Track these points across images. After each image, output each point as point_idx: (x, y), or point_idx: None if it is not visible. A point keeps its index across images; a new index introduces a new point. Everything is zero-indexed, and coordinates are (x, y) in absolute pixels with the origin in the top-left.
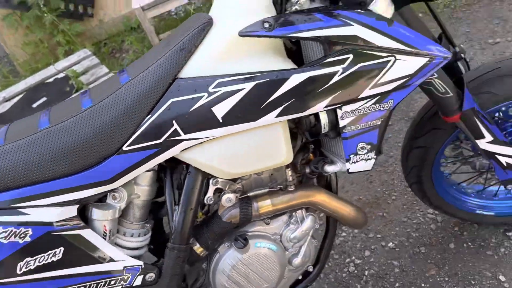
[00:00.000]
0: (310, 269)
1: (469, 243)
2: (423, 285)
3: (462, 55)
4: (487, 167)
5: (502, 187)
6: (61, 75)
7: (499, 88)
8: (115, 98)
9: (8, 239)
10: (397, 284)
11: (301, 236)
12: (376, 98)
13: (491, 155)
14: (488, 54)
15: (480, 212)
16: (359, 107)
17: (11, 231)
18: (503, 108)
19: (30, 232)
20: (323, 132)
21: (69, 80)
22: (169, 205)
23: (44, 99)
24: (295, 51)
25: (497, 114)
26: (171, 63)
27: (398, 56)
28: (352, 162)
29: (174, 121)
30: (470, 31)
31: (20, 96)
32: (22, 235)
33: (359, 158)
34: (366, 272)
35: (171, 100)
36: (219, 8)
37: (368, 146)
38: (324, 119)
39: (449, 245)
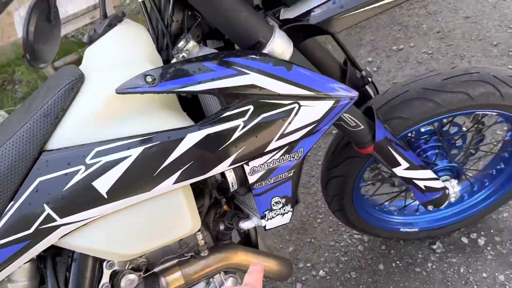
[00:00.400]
0: None
1: (398, 262)
2: None
3: (369, 78)
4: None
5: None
6: None
7: (408, 113)
8: None
9: None
10: None
11: None
12: (284, 149)
13: (409, 181)
14: (393, 62)
15: (404, 230)
16: (268, 160)
17: None
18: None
19: None
20: (232, 190)
21: None
22: None
23: None
24: (192, 101)
25: (409, 134)
26: (34, 134)
27: (302, 103)
28: (268, 219)
29: (45, 205)
30: (375, 39)
31: None
32: None
33: (275, 213)
34: None
35: (39, 179)
36: (92, 59)
37: (283, 200)
38: (230, 177)
39: (378, 266)
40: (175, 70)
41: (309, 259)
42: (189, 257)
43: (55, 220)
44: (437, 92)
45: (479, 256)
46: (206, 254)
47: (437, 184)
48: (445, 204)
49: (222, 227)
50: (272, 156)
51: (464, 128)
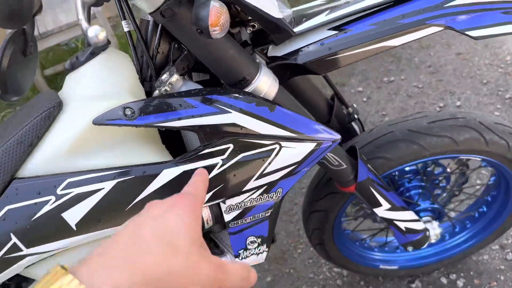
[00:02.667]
0: None
1: None
2: None
3: (356, 115)
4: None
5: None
6: None
7: (392, 153)
8: None
9: None
10: None
11: None
12: (263, 189)
13: (389, 222)
14: (383, 93)
15: (383, 267)
16: (245, 199)
17: None
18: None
19: None
20: (206, 227)
21: None
22: None
23: None
24: (173, 133)
25: (395, 177)
26: (6, 160)
27: (283, 143)
28: (242, 258)
29: (11, 234)
30: (366, 69)
31: None
32: None
33: (250, 253)
34: None
35: (7, 207)
36: (72, 86)
37: (259, 240)
38: (206, 214)
39: None
40: (155, 104)
41: None
42: None
43: (21, 250)
44: (422, 135)
45: None
46: None
47: (418, 225)
48: (425, 245)
49: None
50: (250, 195)
51: (448, 170)
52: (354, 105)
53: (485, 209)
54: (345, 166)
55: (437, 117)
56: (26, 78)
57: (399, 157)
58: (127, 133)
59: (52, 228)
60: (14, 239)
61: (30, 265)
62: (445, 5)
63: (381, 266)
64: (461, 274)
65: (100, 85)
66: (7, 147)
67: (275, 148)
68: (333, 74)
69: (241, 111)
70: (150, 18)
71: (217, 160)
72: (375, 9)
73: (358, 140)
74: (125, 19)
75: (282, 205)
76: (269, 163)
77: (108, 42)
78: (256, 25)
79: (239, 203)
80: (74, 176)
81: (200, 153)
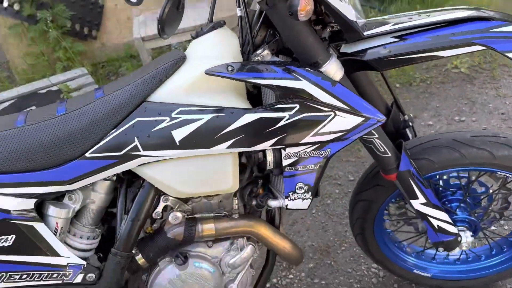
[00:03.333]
0: None
1: None
2: None
3: (410, 123)
4: (436, 249)
5: (439, 252)
6: (55, 88)
7: (435, 157)
8: (87, 110)
9: None
10: None
11: (240, 263)
12: (315, 146)
13: (423, 216)
14: (452, 130)
15: (417, 272)
16: (300, 151)
17: None
18: (444, 177)
19: None
20: (268, 168)
21: (60, 94)
22: (119, 213)
23: (33, 107)
24: (256, 95)
25: (439, 182)
26: (142, 87)
27: (338, 113)
28: (291, 199)
29: (136, 138)
30: (440, 106)
31: (11, 101)
32: None
33: (297, 196)
34: None
35: (137, 119)
36: (194, 48)
37: (306, 187)
38: (270, 156)
39: None
40: (249, 66)
41: (324, 278)
42: (223, 215)
43: (139, 151)
44: (464, 145)
45: None
46: (236, 217)
47: (451, 228)
48: (455, 250)
49: (254, 202)
50: (305, 148)
51: (490, 190)
52: (411, 114)
53: None
54: (389, 155)
55: (481, 133)
56: (174, 25)
57: (441, 161)
58: (226, 84)
59: (163, 140)
60: (136, 142)
61: (141, 164)
62: (491, 30)
63: (415, 271)
64: None
65: (214, 49)
66: (144, 79)
67: (330, 115)
68: (406, 105)
69: (310, 81)
70: (257, 8)
71: (285, 114)
72: (431, 26)
73: (408, 142)
74: (239, 6)
75: (335, 208)
76: (324, 126)
77: (224, 23)
78: (334, 26)
79: (295, 153)
80: (185, 107)
81: (273, 106)
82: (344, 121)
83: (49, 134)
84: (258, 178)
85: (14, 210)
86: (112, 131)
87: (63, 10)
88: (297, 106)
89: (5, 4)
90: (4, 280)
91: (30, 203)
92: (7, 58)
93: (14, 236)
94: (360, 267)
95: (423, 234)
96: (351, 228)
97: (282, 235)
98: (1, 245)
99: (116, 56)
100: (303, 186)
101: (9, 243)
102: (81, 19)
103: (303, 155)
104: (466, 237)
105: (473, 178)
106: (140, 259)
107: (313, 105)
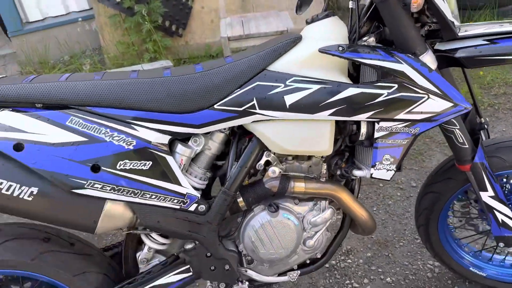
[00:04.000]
0: (319, 255)
1: None
2: None
3: (486, 126)
4: (488, 233)
5: (496, 255)
6: None
7: (507, 156)
8: (220, 70)
9: (119, 142)
10: None
11: (319, 222)
12: (407, 123)
13: (490, 209)
14: None
15: (472, 270)
16: (393, 126)
17: (122, 137)
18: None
19: (134, 143)
20: (360, 139)
21: None
22: (231, 160)
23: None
24: (354, 77)
25: (507, 186)
26: (264, 58)
27: (431, 96)
28: (376, 169)
29: (254, 98)
30: (506, 131)
31: None
32: (129, 143)
33: (382, 167)
34: None
35: (257, 82)
36: (309, 31)
37: (392, 159)
38: (364, 128)
39: None
40: (357, 48)
41: (381, 266)
42: (312, 177)
43: (255, 109)
44: None
45: None
46: (323, 181)
47: None
48: None
49: (338, 172)
50: (397, 124)
51: None
52: (487, 119)
53: None
54: (467, 146)
55: None
56: (307, 5)
57: (511, 160)
58: (333, 62)
59: (276, 102)
60: (254, 101)
61: (254, 121)
62: None
63: (470, 268)
64: None
65: (326, 33)
66: (266, 51)
67: (424, 97)
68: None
69: (410, 65)
70: (366, 2)
71: (384, 91)
72: None
73: (484, 141)
74: (352, 0)
75: (395, 209)
76: (417, 106)
77: (335, 13)
78: (431, 26)
79: (388, 127)
80: (298, 77)
81: (375, 84)
82: (435, 104)
83: (189, 86)
84: (345, 151)
85: (153, 142)
86: (237, 90)
87: (158, 6)
88: (396, 85)
89: None
90: (139, 196)
91: (165, 139)
92: (101, 44)
93: (151, 162)
94: (416, 262)
95: (483, 235)
96: (415, 219)
97: (361, 204)
98: (141, 168)
99: (197, 54)
100: (390, 158)
101: (146, 167)
102: (171, 17)
103: (394, 130)
104: None
105: None
106: (241, 202)
107: (410, 86)
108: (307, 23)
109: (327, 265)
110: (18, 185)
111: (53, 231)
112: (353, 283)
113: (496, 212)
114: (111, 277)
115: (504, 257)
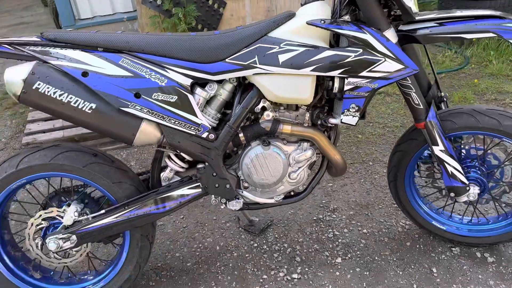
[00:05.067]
0: (301, 188)
1: (421, 246)
2: (376, 258)
3: (445, 98)
4: (449, 193)
5: (455, 213)
6: None
7: (457, 120)
8: (232, 34)
9: (155, 79)
10: (358, 253)
11: (302, 159)
12: (368, 79)
13: (441, 161)
14: None
15: (434, 224)
16: (357, 81)
17: (158, 76)
18: (466, 147)
19: (166, 81)
20: (333, 92)
21: None
22: (236, 102)
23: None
24: (334, 45)
25: (462, 151)
26: (266, 27)
27: (387, 59)
28: (345, 115)
29: (256, 55)
30: None
31: None
32: (162, 81)
33: (349, 113)
34: (339, 240)
35: (259, 44)
36: (302, 11)
37: (356, 107)
38: (336, 83)
39: (406, 243)
40: (335, 22)
41: (360, 221)
42: (297, 122)
43: (256, 64)
44: (479, 113)
45: (483, 267)
46: (306, 126)
47: (462, 177)
48: (463, 197)
49: (319, 122)
50: (360, 80)
51: (503, 165)
52: (447, 93)
53: None
54: (421, 107)
55: (494, 108)
56: None
57: (460, 123)
58: (317, 32)
59: (272, 60)
60: (256, 58)
61: (254, 74)
62: (503, 24)
63: (432, 222)
64: (494, 256)
65: (314, 12)
66: (268, 22)
67: (382, 59)
68: None
69: (372, 35)
70: None
71: (351, 54)
72: (465, 18)
73: (440, 111)
74: None
75: (380, 182)
76: (376, 66)
77: None
78: (396, 12)
79: (354, 82)
80: (289, 41)
81: (345, 48)
82: (390, 66)
83: (208, 43)
84: (325, 106)
85: (179, 82)
86: (244, 48)
87: (193, 10)
88: (361, 50)
89: None
90: (167, 121)
91: (188, 81)
92: None
93: (176, 97)
94: (390, 220)
95: (443, 196)
96: (387, 176)
97: (336, 148)
98: (169, 100)
99: None
100: (355, 107)
101: (173, 100)
102: (203, 21)
103: (358, 84)
104: (474, 189)
105: (488, 152)
106: (241, 137)
107: (371, 51)
108: (301, 5)
109: (314, 217)
110: (82, 100)
111: (99, 151)
112: (335, 231)
113: (446, 165)
114: (140, 190)
115: (461, 215)
